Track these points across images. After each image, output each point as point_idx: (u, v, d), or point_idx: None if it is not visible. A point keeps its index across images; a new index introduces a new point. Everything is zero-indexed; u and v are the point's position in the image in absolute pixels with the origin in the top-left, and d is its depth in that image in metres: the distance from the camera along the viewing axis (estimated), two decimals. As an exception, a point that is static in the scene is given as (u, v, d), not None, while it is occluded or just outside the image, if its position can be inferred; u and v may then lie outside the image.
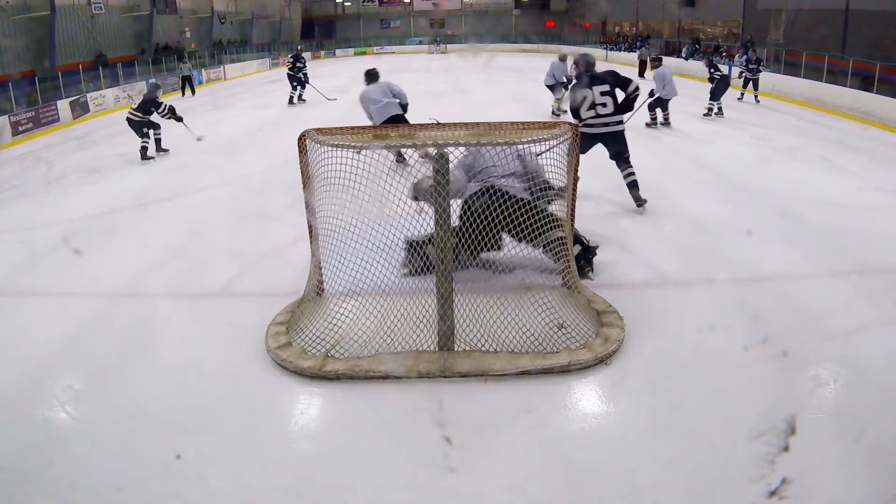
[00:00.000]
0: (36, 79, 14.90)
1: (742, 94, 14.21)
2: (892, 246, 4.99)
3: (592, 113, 5.64)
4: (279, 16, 38.74)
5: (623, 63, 24.91)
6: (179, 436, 2.90)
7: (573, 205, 3.96)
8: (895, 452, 2.70)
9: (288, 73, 15.00)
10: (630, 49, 27.47)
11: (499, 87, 15.18)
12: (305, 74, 15.08)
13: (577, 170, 3.85)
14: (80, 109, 14.69)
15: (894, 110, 10.93)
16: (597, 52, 28.56)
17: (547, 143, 3.60)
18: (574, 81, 6.56)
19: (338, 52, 39.33)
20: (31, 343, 3.80)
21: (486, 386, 3.22)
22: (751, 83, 13.90)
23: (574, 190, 3.92)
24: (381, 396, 3.18)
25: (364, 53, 39.53)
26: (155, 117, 8.81)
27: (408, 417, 3.02)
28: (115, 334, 3.90)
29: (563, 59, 11.06)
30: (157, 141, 9.11)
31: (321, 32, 42.36)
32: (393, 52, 39.38)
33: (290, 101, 14.91)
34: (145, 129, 8.76)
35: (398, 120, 7.03)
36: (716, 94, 11.81)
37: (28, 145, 11.63)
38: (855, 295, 4.21)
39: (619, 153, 5.80)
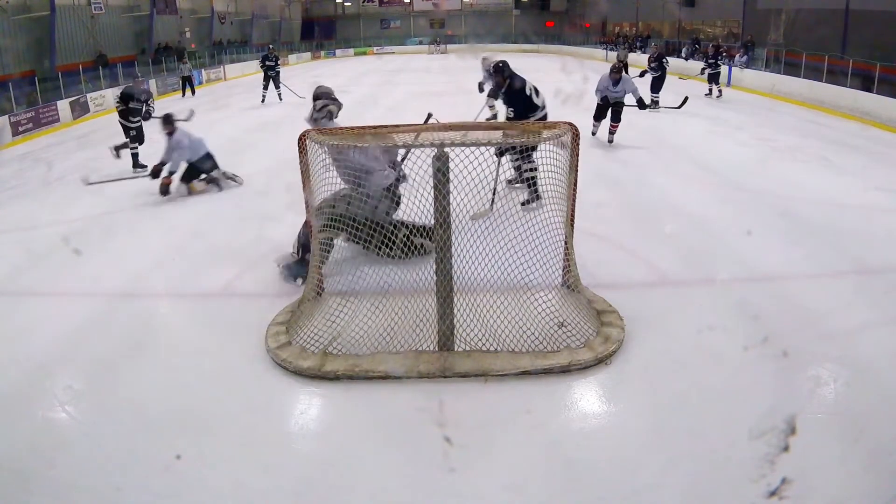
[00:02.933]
0: (36, 79, 14.88)
1: (710, 90, 14.61)
2: (893, 246, 4.99)
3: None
4: (279, 16, 38.73)
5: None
6: (179, 436, 2.90)
7: (573, 206, 3.96)
8: (895, 452, 2.70)
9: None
10: (630, 49, 27.45)
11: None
12: (277, 73, 15.47)
13: (576, 170, 3.85)
14: (80, 109, 14.68)
15: (894, 110, 10.93)
16: (596, 53, 28.59)
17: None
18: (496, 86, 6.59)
19: (338, 52, 39.34)
20: (31, 343, 3.80)
21: (486, 386, 3.22)
22: (713, 78, 14.41)
23: (574, 191, 3.91)
24: (381, 396, 3.18)
25: (364, 53, 39.53)
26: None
27: (408, 417, 3.02)
28: (115, 334, 3.90)
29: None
30: (135, 156, 8.50)
31: (321, 32, 42.35)
32: (393, 53, 39.37)
33: (262, 101, 15.50)
34: (132, 133, 8.41)
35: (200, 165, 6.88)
36: (657, 87, 12.39)
37: (28, 145, 11.63)
38: (855, 295, 4.21)
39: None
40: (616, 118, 8.80)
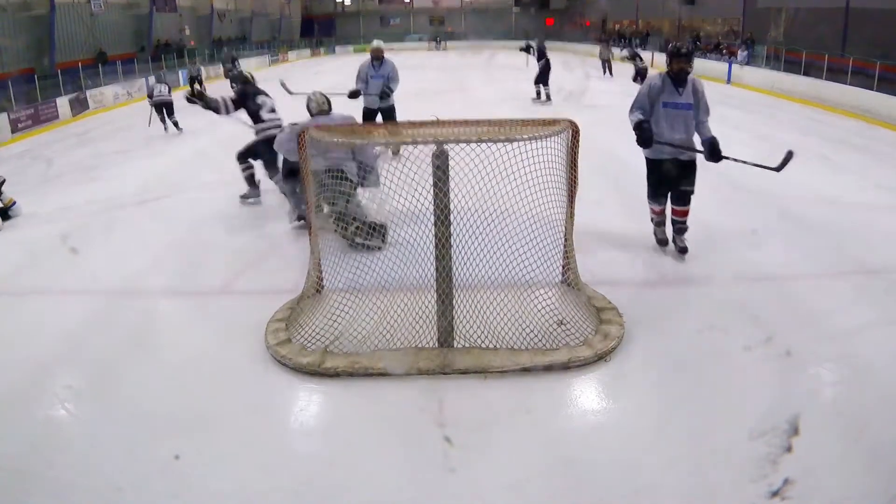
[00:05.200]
0: (35, 76, 14.87)
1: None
2: (893, 246, 4.98)
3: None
4: (279, 13, 38.67)
5: (619, 60, 24.81)
6: (179, 435, 2.90)
7: (573, 203, 3.95)
8: (895, 452, 2.70)
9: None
10: (628, 46, 27.39)
11: (498, 85, 15.19)
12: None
13: (576, 167, 3.84)
14: (79, 107, 14.67)
15: (894, 108, 10.92)
16: (596, 50, 28.50)
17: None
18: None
19: (337, 49, 39.31)
20: (31, 342, 3.79)
21: (486, 383, 3.22)
22: (639, 76, 14.69)
23: (574, 189, 3.91)
24: (380, 393, 3.18)
25: (364, 51, 39.31)
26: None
27: (407, 414, 3.02)
28: (115, 333, 3.90)
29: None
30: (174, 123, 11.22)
31: (321, 30, 42.31)
32: (393, 50, 39.31)
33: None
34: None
35: None
36: (542, 79, 13.15)
37: (27, 143, 11.61)
38: (856, 295, 4.20)
39: None
40: (684, 199, 4.61)
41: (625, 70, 16.51)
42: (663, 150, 4.46)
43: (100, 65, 17.80)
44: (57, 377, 3.46)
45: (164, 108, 11.16)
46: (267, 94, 6.20)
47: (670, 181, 4.57)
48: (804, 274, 4.50)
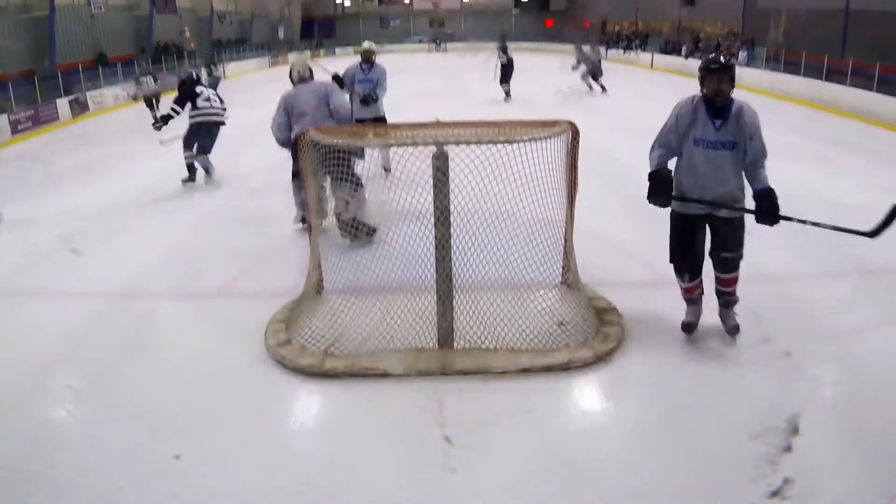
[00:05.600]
0: (35, 78, 14.89)
1: (591, 87, 14.98)
2: (893, 246, 4.97)
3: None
4: (279, 15, 38.71)
5: (619, 62, 24.88)
6: (179, 436, 2.90)
7: (573, 205, 3.95)
8: (895, 452, 2.70)
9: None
10: (628, 48, 27.41)
11: (496, 85, 15.17)
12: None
13: (576, 168, 3.85)
14: (79, 108, 14.68)
15: (894, 110, 10.93)
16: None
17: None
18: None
19: (337, 50, 39.32)
20: (31, 343, 3.79)
21: (486, 384, 3.22)
22: (590, 75, 14.90)
23: (574, 190, 3.91)
24: (380, 394, 3.18)
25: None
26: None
27: (407, 415, 3.02)
28: (116, 334, 3.90)
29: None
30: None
31: (321, 31, 42.33)
32: (393, 52, 39.33)
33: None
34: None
35: None
36: (505, 78, 13.77)
37: (27, 144, 11.62)
38: (855, 295, 4.20)
39: None
40: (728, 264, 3.41)
41: (621, 71, 16.47)
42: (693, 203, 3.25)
43: (100, 67, 17.80)
44: (57, 377, 3.46)
45: (153, 101, 11.26)
46: (206, 87, 7.30)
47: (702, 244, 3.33)
48: (804, 274, 4.51)
